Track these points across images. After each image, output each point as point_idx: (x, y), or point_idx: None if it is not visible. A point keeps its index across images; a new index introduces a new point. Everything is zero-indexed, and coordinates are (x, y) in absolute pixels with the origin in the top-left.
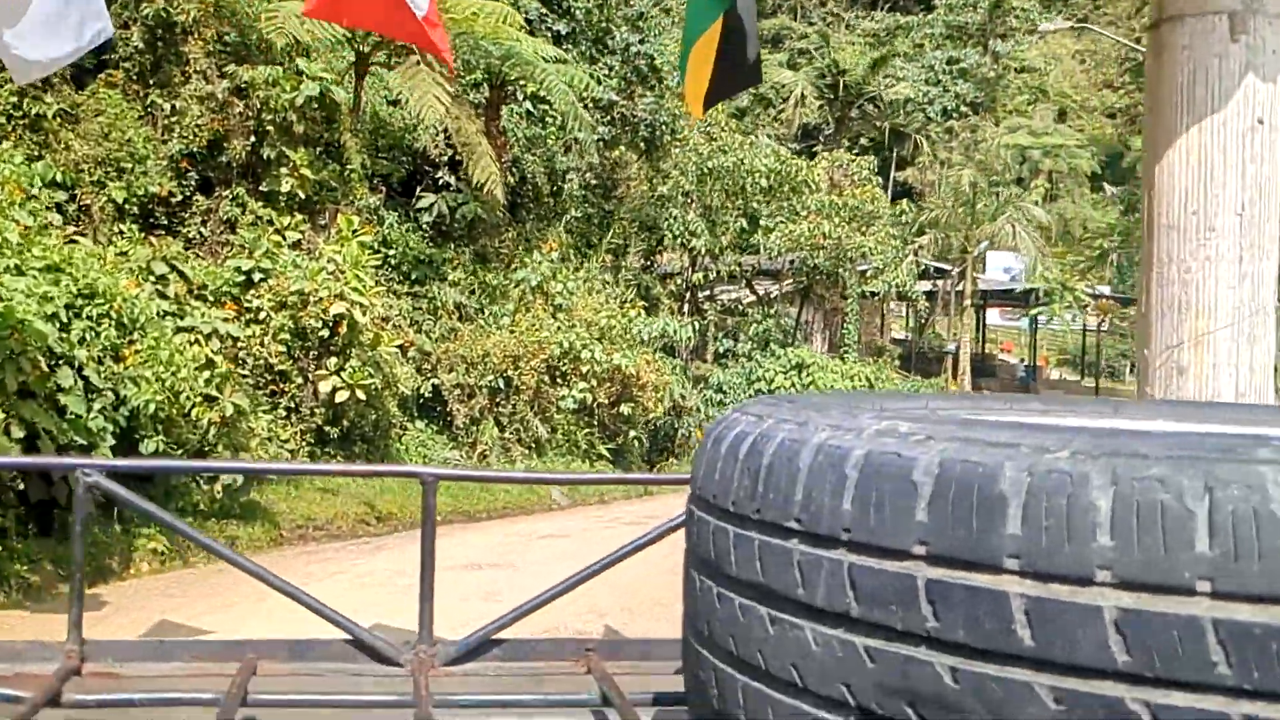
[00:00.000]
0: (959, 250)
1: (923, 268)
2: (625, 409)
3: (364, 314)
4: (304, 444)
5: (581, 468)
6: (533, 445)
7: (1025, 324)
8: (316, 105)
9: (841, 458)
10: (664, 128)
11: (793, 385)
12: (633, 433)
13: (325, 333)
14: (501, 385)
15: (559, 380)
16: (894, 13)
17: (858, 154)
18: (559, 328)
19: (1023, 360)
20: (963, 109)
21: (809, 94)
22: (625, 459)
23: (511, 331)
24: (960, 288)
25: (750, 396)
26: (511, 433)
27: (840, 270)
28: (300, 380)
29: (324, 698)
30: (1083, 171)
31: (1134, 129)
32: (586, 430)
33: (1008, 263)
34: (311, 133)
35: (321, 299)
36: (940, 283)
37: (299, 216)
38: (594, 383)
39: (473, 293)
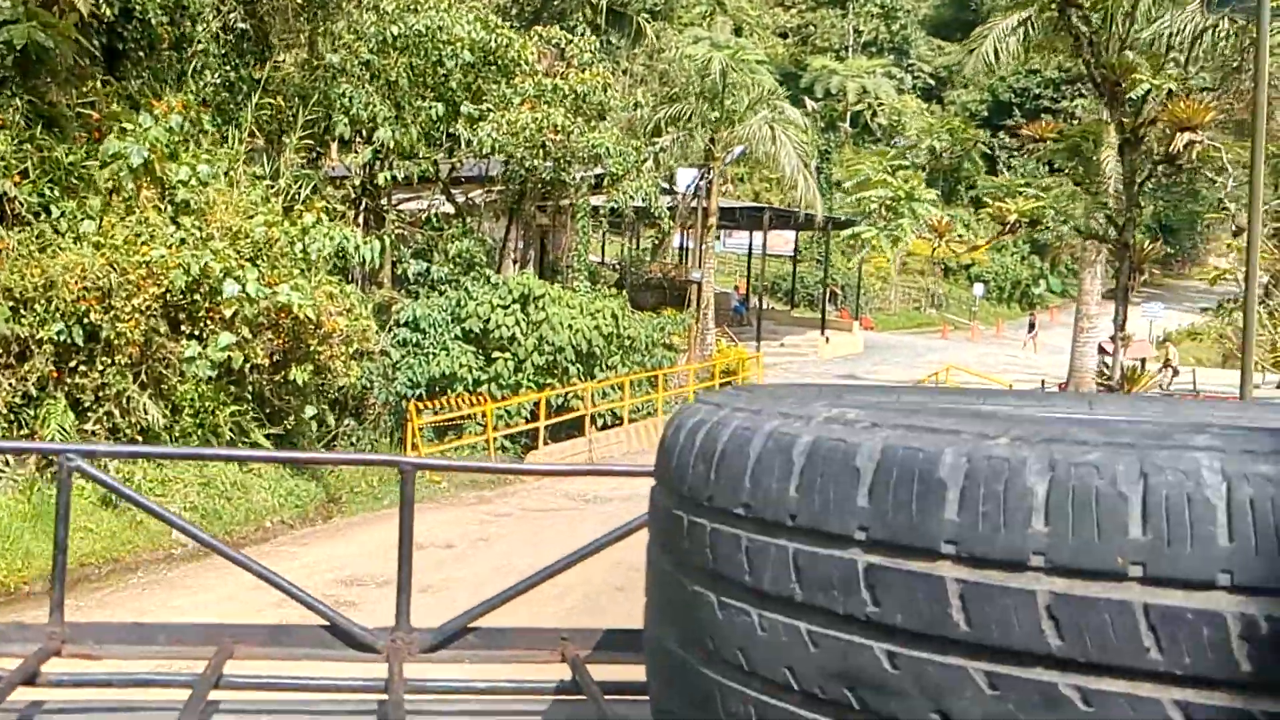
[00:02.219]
0: (703, 155)
1: (666, 175)
2: (298, 374)
3: None
4: None
5: (229, 469)
6: (139, 437)
7: (718, 247)
8: None
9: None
10: None
11: (517, 323)
12: (309, 410)
13: None
14: (80, 338)
15: (185, 329)
16: None
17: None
18: (184, 240)
19: (736, 289)
20: (643, 15)
21: None
22: (296, 448)
23: (99, 246)
24: (704, 204)
25: (458, 336)
26: (101, 418)
27: (563, 176)
28: None
29: (298, 680)
30: (764, 87)
31: (805, 49)
32: (234, 409)
33: (687, 178)
34: None
35: None
36: (675, 196)
37: None
38: (246, 332)
39: (27, 176)
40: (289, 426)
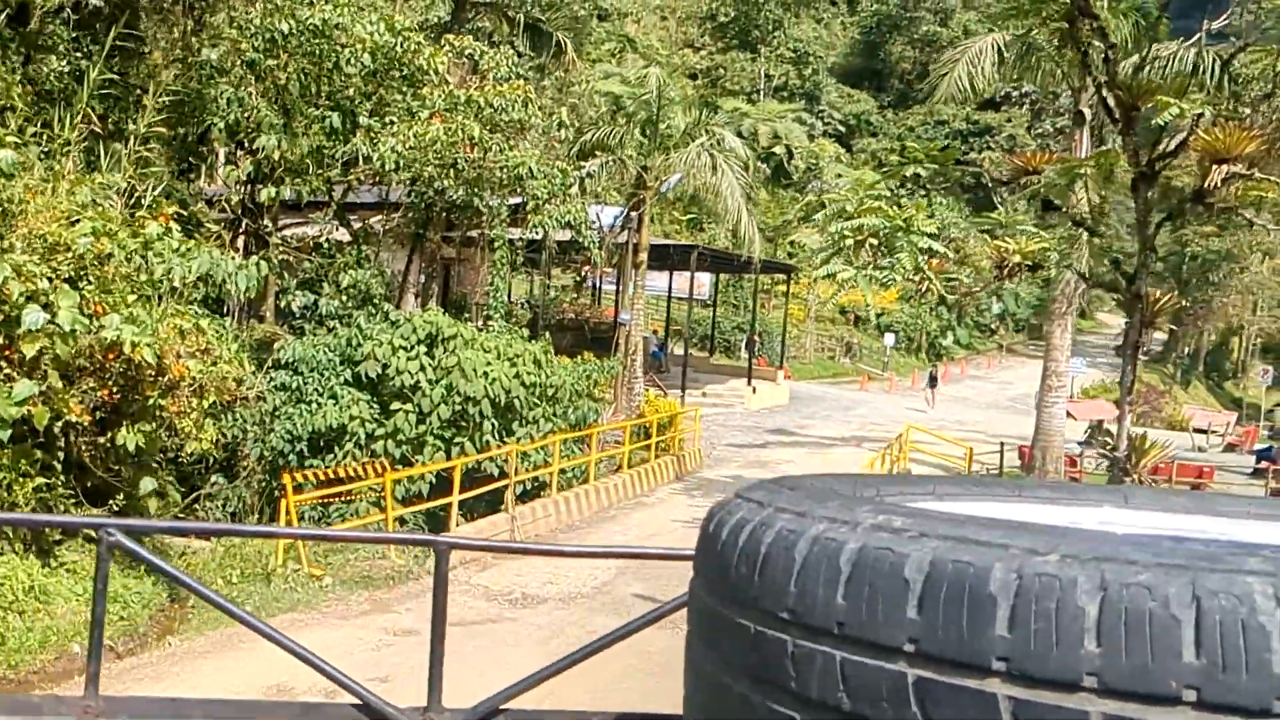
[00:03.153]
0: (633, 183)
1: (594, 204)
2: (128, 437)
3: None
4: None
5: (21, 568)
6: None
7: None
8: None
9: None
10: None
11: (421, 368)
12: (147, 483)
13: None
14: None
15: None
16: None
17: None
18: None
19: (654, 333)
20: (564, 33)
21: None
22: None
23: None
24: (635, 239)
25: (349, 381)
26: None
27: (477, 201)
28: None
29: None
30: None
31: (715, 91)
32: (41, 481)
33: (609, 216)
34: None
35: None
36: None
37: None
38: (56, 379)
39: None
40: (118, 504)
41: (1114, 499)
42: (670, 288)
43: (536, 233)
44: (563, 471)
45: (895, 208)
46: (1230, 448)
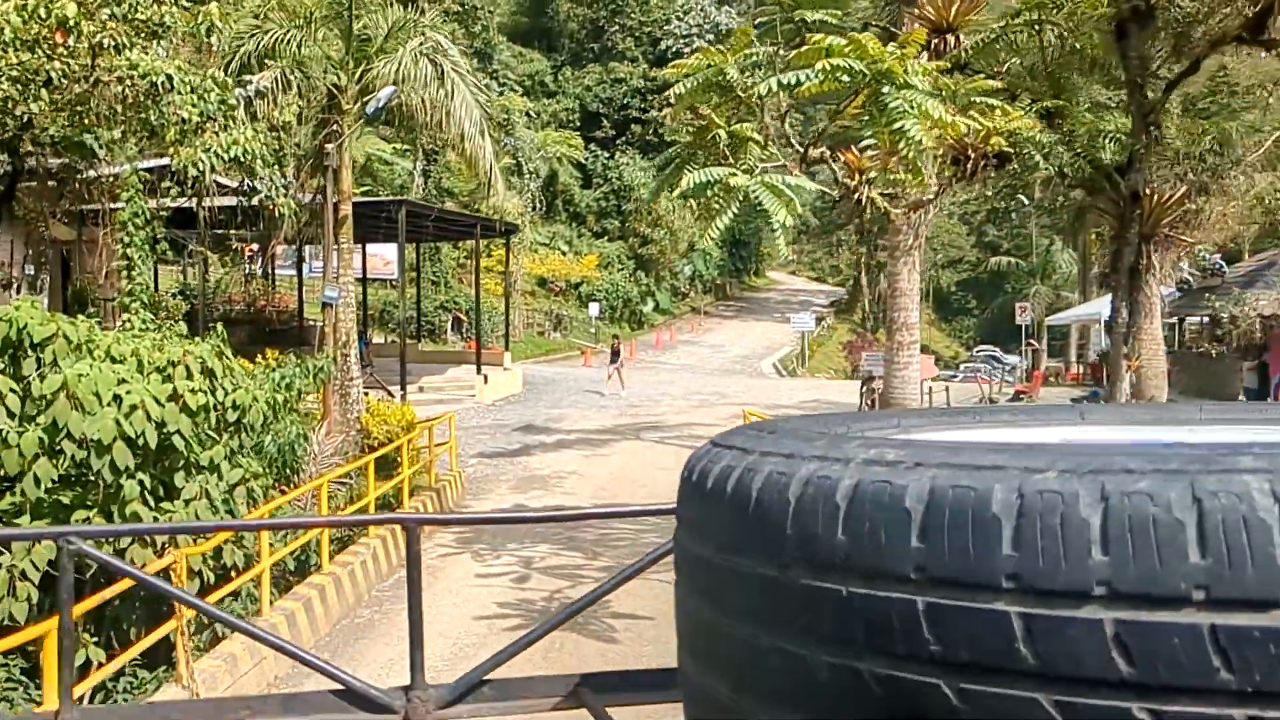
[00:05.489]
0: (323, 106)
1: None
2: None
3: None
4: None
5: None
6: None
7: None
8: None
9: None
10: None
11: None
12: None
13: None
14: None
15: None
16: None
17: None
18: None
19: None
20: None
21: None
22: None
23: None
24: (335, 192)
25: None
26: None
27: (89, 140)
28: None
29: None
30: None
31: (370, 49)
32: None
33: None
34: None
35: None
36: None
37: None
38: None
39: None
40: None
41: (1071, 417)
42: (364, 266)
43: (186, 181)
44: (277, 564)
45: (871, 44)
46: (1018, 396)
